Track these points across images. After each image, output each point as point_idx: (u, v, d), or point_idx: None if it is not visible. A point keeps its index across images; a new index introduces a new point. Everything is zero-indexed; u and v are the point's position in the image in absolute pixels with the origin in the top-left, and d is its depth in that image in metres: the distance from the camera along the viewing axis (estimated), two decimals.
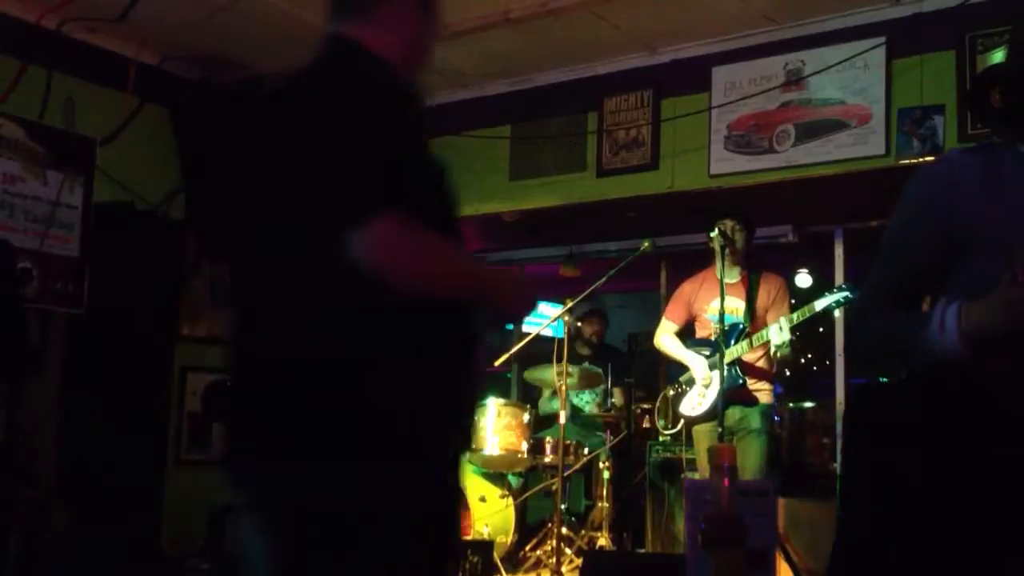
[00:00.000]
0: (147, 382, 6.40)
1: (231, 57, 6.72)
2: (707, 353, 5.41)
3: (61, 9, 6.05)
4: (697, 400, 5.37)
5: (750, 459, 5.17)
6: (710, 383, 5.29)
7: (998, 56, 5.23)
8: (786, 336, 5.05)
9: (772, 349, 5.23)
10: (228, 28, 6.23)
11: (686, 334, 5.72)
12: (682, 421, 5.54)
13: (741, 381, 5.21)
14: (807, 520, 5.53)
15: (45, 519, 5.61)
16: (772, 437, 5.37)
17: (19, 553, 5.34)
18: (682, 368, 5.63)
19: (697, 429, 5.44)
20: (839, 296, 5.00)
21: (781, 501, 5.98)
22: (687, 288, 5.69)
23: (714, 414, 5.15)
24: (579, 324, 7.01)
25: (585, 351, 7.07)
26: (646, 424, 7.79)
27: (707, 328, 5.54)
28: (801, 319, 5.06)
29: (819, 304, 5.03)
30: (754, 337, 5.17)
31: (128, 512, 5.98)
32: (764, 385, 5.32)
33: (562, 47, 6.36)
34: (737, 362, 5.23)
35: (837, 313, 5.16)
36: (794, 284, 5.75)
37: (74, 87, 6.32)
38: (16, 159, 5.99)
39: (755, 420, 5.22)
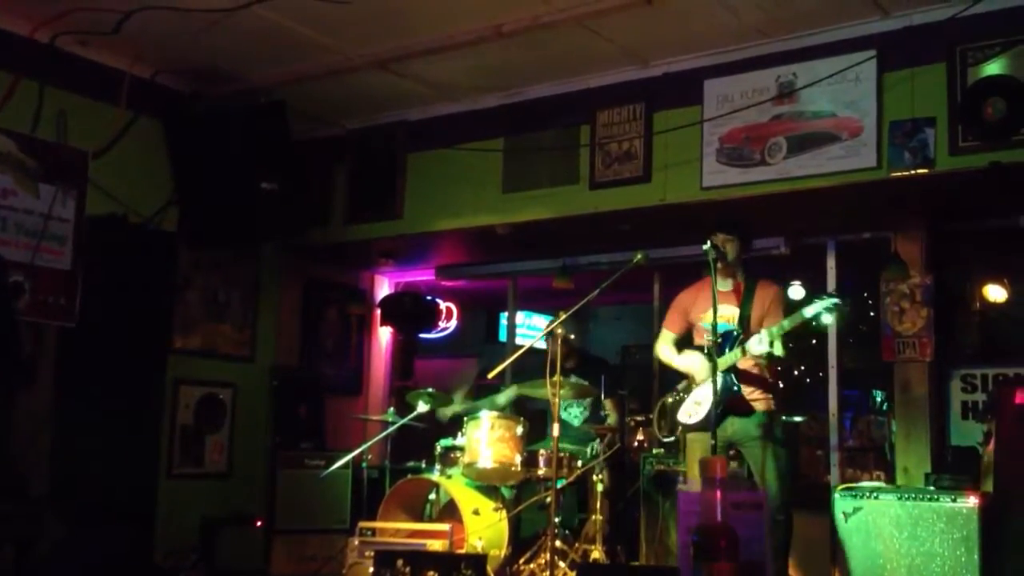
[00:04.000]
0: (140, 394, 6.38)
1: (223, 70, 6.73)
2: (704, 355, 5.38)
3: (54, 22, 6.06)
4: (692, 407, 5.35)
5: (768, 471, 5.11)
6: (707, 378, 5.27)
7: (992, 68, 5.30)
8: (765, 348, 5.03)
9: (757, 358, 5.19)
10: (220, 41, 6.24)
11: (685, 344, 5.69)
12: (679, 429, 5.50)
13: (735, 388, 5.18)
14: (800, 532, 5.52)
15: (38, 531, 5.59)
16: (782, 445, 5.27)
17: (12, 565, 5.32)
18: (680, 377, 5.60)
19: (691, 437, 5.40)
20: (828, 302, 4.98)
21: None
22: (684, 297, 5.67)
23: (708, 424, 5.13)
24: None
25: (570, 364, 6.99)
26: (640, 436, 7.77)
27: (703, 337, 5.51)
28: (791, 326, 5.04)
29: (808, 311, 5.00)
30: (744, 346, 5.15)
31: (120, 524, 5.95)
32: (762, 393, 5.27)
33: (555, 60, 6.38)
34: (732, 369, 5.21)
35: (829, 320, 5.11)
36: (787, 296, 5.75)
37: (66, 100, 6.32)
38: (8, 172, 5.98)
39: (755, 429, 5.18)
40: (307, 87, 6.79)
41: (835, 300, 4.97)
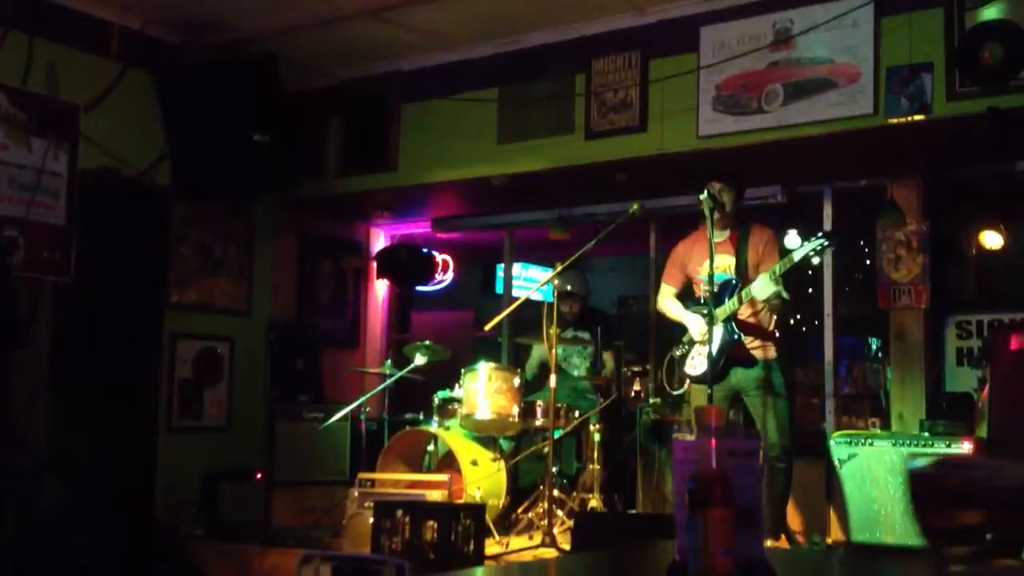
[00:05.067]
0: (137, 349, 6.39)
1: (214, 19, 6.64)
2: (705, 312, 5.39)
3: None
4: (698, 359, 5.37)
5: (769, 420, 5.15)
6: (706, 339, 5.28)
7: (989, 12, 5.24)
8: (771, 289, 5.02)
9: (760, 305, 5.20)
10: None
11: (686, 295, 5.69)
12: (687, 382, 5.52)
13: (736, 337, 5.18)
14: (796, 479, 5.56)
15: (37, 487, 5.62)
16: (782, 394, 5.29)
17: (12, 522, 5.35)
18: (684, 329, 5.61)
19: (695, 388, 5.43)
20: (816, 244, 4.96)
21: None
22: (680, 250, 5.65)
23: (715, 372, 5.16)
24: (564, 304, 6.85)
25: (571, 316, 7.02)
26: (636, 387, 7.80)
27: (701, 289, 5.52)
28: (782, 270, 5.03)
29: (797, 254, 4.99)
30: (742, 292, 5.15)
31: (121, 480, 5.99)
32: (760, 342, 5.28)
33: (549, 7, 6.30)
34: (732, 318, 5.21)
35: (818, 260, 5.09)
36: (783, 244, 5.75)
37: (56, 52, 6.24)
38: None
39: (757, 379, 5.20)
40: (299, 36, 6.71)
41: (822, 241, 4.96)
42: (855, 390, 7.49)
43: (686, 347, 5.49)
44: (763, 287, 5.05)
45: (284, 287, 8.05)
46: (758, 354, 5.27)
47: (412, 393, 7.10)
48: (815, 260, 5.13)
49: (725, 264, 5.28)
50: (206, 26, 6.71)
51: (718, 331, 5.14)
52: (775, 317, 5.37)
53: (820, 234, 5.04)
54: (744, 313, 5.25)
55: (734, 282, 5.21)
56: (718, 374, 5.05)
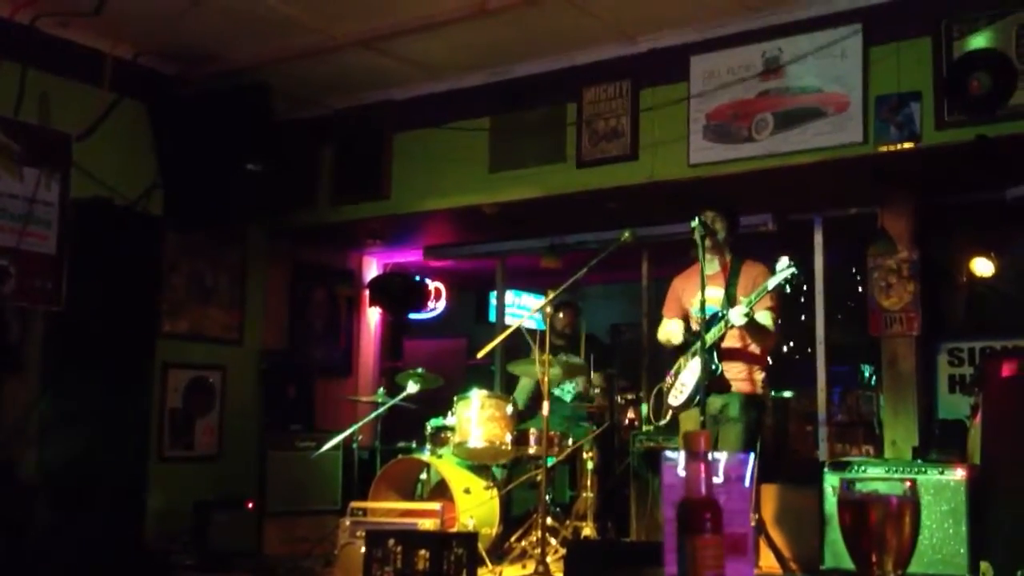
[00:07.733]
0: (128, 378, 6.37)
1: (206, 51, 6.68)
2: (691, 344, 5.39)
3: (34, 3, 6.01)
4: (679, 390, 5.36)
5: (725, 447, 5.14)
6: (688, 359, 5.30)
7: (977, 41, 5.28)
8: (741, 319, 5.00)
9: (748, 337, 5.19)
10: (202, 21, 6.19)
11: (685, 329, 5.66)
12: (669, 412, 5.51)
13: (714, 367, 5.17)
14: (790, 507, 5.55)
15: (28, 515, 5.59)
16: (752, 427, 5.29)
17: (3, 549, 5.32)
18: (671, 360, 5.59)
19: (682, 416, 5.42)
20: (787, 272, 4.98)
21: (764, 488, 6.01)
22: (677, 283, 5.64)
23: (693, 402, 5.16)
24: (559, 315, 7.02)
25: (560, 342, 7.05)
26: (630, 414, 7.80)
27: (694, 323, 5.52)
28: (757, 299, 5.03)
29: (771, 282, 5.01)
30: (723, 321, 5.13)
31: (111, 508, 5.95)
32: (744, 372, 5.26)
33: (540, 38, 6.35)
34: (713, 349, 5.19)
35: (789, 288, 5.13)
36: (774, 272, 5.75)
37: (49, 83, 6.27)
38: None
39: (734, 409, 5.19)
40: (291, 67, 6.75)
41: (792, 270, 4.97)
42: (848, 418, 7.49)
43: (673, 379, 5.49)
44: (737, 314, 5.04)
45: (276, 316, 8.04)
46: (740, 387, 5.24)
47: (405, 421, 7.08)
48: (787, 288, 5.14)
49: (715, 297, 5.26)
50: (198, 57, 6.75)
51: (698, 361, 5.13)
52: (766, 350, 5.36)
53: (790, 263, 5.03)
54: (729, 344, 5.23)
55: (720, 314, 5.19)
56: (698, 402, 5.05)
